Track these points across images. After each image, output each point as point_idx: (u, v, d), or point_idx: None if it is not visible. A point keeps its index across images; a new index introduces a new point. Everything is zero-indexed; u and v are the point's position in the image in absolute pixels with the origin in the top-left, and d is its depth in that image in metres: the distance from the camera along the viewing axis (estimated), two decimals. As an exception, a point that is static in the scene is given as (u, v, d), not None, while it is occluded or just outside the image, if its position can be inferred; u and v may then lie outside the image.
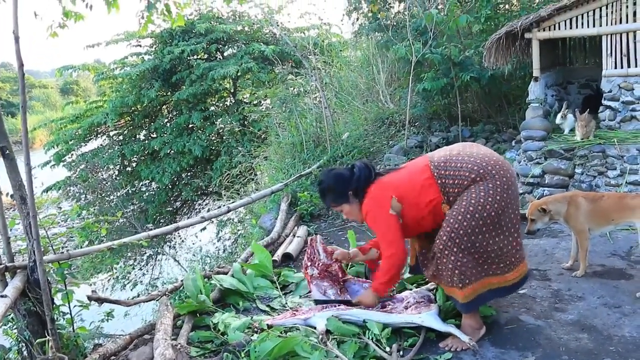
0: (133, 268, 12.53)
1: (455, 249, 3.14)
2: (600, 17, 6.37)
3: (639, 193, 5.02)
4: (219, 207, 13.05)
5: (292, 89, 9.30)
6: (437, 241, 3.21)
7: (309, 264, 3.79)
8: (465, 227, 3.11)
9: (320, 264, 3.79)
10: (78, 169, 13.27)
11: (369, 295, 3.51)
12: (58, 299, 3.37)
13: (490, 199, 3.11)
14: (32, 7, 4.32)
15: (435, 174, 3.22)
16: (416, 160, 3.47)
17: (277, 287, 4.23)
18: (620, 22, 6.26)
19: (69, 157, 13.45)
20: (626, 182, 5.67)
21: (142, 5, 4.16)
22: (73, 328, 3.42)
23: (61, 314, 3.35)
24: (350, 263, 4.19)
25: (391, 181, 3.33)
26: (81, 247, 11.32)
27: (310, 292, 3.86)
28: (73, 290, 3.43)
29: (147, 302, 4.13)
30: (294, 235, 5.42)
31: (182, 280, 4.21)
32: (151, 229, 12.83)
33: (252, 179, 9.17)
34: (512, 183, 3.22)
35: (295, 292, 4.20)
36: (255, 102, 12.87)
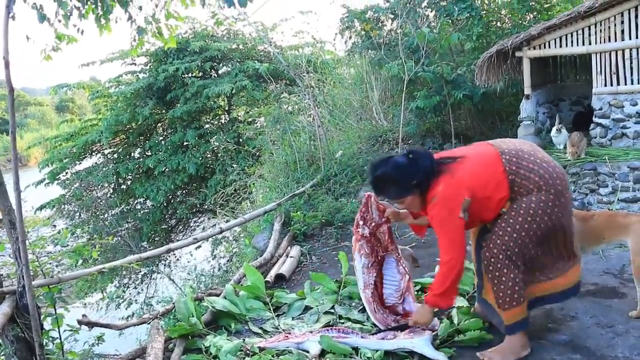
0: (128, 287, 12.47)
1: (512, 266, 3.05)
2: (590, 35, 6.44)
3: (629, 212, 5.04)
4: (214, 225, 13.05)
5: (285, 106, 9.33)
6: (487, 253, 3.09)
7: (361, 222, 3.67)
8: (520, 243, 3.03)
9: (373, 223, 3.70)
10: (72, 187, 13.24)
11: (425, 313, 3.27)
12: (48, 324, 3.35)
13: (548, 211, 3.00)
14: (26, 28, 4.35)
15: (507, 169, 3.02)
16: (481, 149, 3.21)
17: (269, 309, 4.21)
18: (609, 41, 6.33)
19: (64, 175, 13.43)
20: (618, 200, 5.69)
21: (134, 30, 4.18)
22: (63, 353, 3.39)
23: (50, 338, 3.32)
24: (398, 222, 3.92)
25: (463, 178, 3.02)
26: (75, 266, 11.35)
27: (359, 252, 3.74)
28: (63, 315, 3.40)
29: (138, 325, 4.09)
30: (287, 256, 5.40)
31: (173, 303, 4.19)
32: (146, 248, 12.89)
33: (247, 197, 9.16)
34: (569, 198, 3.16)
35: (288, 314, 4.17)
36: (249, 119, 12.90)
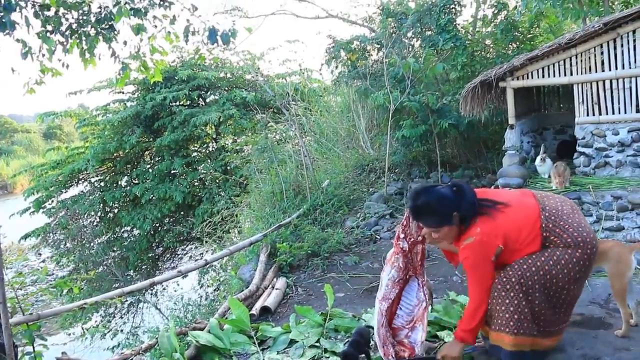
0: (113, 316, 12.29)
1: (521, 295, 3.10)
2: (571, 66, 6.55)
3: (606, 239, 5.10)
4: (201, 253, 12.98)
5: (272, 135, 9.36)
6: (503, 279, 3.15)
7: (402, 235, 3.66)
8: (536, 280, 3.09)
9: (412, 239, 3.68)
10: (58, 216, 13.11)
11: (456, 347, 3.30)
12: (26, 362, 3.27)
13: (570, 266, 3.08)
14: (13, 58, 4.35)
15: (544, 226, 3.12)
16: (524, 200, 3.26)
17: (254, 343, 4.16)
18: (590, 72, 6.43)
19: (49, 204, 13.30)
20: (603, 229, 5.72)
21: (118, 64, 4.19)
22: (41, 392, 3.31)
23: (29, 377, 3.25)
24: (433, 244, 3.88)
25: (500, 226, 3.10)
26: (61, 295, 11.18)
27: (392, 265, 3.72)
28: (41, 353, 3.33)
29: (120, 361, 4.02)
30: (272, 287, 5.36)
31: (156, 338, 4.13)
32: (132, 276, 12.74)
33: (234, 226, 9.12)
34: (592, 261, 3.19)
35: (273, 348, 4.12)
36: (237, 148, 12.92)
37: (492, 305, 3.21)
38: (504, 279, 3.15)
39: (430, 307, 3.84)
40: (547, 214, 3.14)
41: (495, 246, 3.08)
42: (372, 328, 3.86)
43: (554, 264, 3.08)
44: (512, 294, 3.12)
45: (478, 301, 3.16)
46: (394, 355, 3.52)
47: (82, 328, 10.06)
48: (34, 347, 3.31)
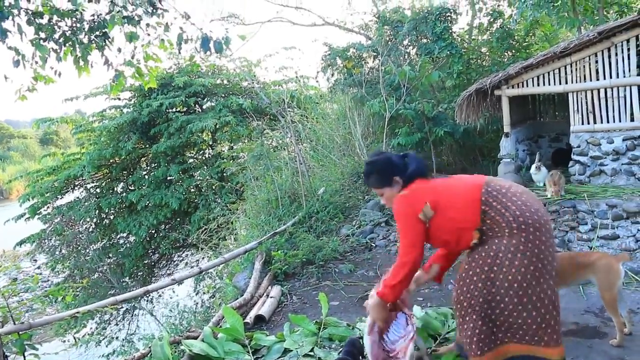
0: (109, 323, 12.23)
1: (474, 316, 3.04)
2: (566, 74, 6.58)
3: (591, 252, 5.18)
4: (197, 260, 12.94)
5: (268, 142, 9.35)
6: (458, 305, 3.15)
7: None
8: (486, 294, 3.01)
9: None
10: (53, 222, 13.07)
11: (377, 304, 3.35)
12: (16, 372, 3.25)
13: (517, 262, 2.94)
14: (6, 65, 4.34)
15: (483, 199, 3.04)
16: (472, 177, 3.29)
17: (248, 352, 4.13)
18: (585, 80, 6.46)
19: (45, 210, 13.26)
20: (597, 237, 5.72)
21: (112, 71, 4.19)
22: (31, 402, 3.28)
23: (19, 388, 3.22)
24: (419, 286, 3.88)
25: (435, 187, 3.18)
26: (56, 302, 11.12)
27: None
28: (33, 363, 3.31)
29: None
30: (267, 296, 5.34)
31: (150, 347, 4.10)
32: (128, 283, 12.69)
33: (230, 233, 9.09)
34: (549, 246, 3.03)
35: (267, 357, 4.10)
36: (233, 155, 12.92)
37: (459, 327, 3.21)
38: (457, 304, 3.15)
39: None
40: (489, 189, 3.07)
41: (423, 202, 3.10)
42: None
43: (499, 265, 2.97)
44: (467, 318, 3.09)
45: (403, 256, 3.16)
46: None
47: (74, 337, 10.00)
48: (24, 357, 3.29)
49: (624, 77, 6.23)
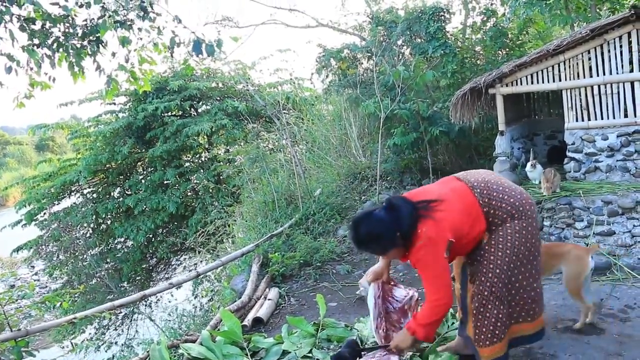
0: (108, 328, 12.21)
1: (497, 302, 3.14)
2: (560, 72, 6.59)
3: (564, 243, 5.37)
4: (195, 264, 12.93)
5: (265, 144, 9.35)
6: (474, 290, 3.18)
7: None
8: (504, 278, 3.13)
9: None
10: (50, 228, 13.04)
11: (406, 338, 3.27)
12: (14, 380, 3.23)
13: (523, 240, 3.13)
14: (1, 73, 4.34)
15: (481, 202, 3.12)
16: (453, 185, 3.23)
17: (246, 354, 4.13)
18: (578, 77, 6.47)
19: (41, 216, 13.22)
20: (594, 233, 5.73)
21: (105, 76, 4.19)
22: (29, 410, 3.27)
23: (17, 395, 3.21)
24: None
25: (445, 220, 3.03)
26: (53, 308, 11.08)
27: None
28: (30, 370, 3.29)
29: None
30: (265, 298, 5.34)
31: (148, 351, 4.10)
32: (126, 288, 12.66)
33: (228, 235, 9.09)
34: (537, 223, 3.27)
35: (266, 359, 4.10)
36: (229, 158, 12.92)
37: (476, 322, 3.21)
38: (477, 296, 3.18)
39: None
40: (478, 190, 3.15)
41: (446, 240, 3.01)
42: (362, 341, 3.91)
43: (511, 247, 3.12)
44: (489, 306, 3.15)
45: (438, 301, 3.07)
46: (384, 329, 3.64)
47: (71, 343, 9.98)
48: (22, 364, 3.28)
49: (617, 73, 6.25)
